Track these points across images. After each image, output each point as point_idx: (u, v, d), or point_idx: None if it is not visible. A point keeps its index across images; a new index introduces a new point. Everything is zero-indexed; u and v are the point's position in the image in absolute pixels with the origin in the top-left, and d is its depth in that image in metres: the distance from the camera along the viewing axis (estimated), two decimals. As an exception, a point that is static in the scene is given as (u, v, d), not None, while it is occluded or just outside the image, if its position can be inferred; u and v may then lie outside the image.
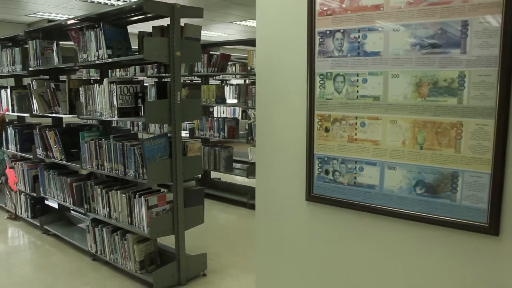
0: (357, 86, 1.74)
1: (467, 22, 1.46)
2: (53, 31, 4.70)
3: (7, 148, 5.00)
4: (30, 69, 4.79)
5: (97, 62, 3.79)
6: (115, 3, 8.17)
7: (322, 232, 1.95)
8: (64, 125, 4.89)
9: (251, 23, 10.99)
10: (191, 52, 3.59)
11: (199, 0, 7.64)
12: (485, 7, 1.42)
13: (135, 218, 3.67)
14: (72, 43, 4.11)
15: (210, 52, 6.59)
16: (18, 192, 5.37)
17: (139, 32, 3.70)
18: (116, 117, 3.63)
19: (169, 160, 3.58)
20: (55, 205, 5.11)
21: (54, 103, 4.49)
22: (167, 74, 7.63)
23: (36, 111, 4.71)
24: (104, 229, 4.00)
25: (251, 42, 6.37)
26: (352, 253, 1.87)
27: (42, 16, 9.70)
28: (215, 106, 7.69)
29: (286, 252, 2.11)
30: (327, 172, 1.87)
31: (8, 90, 5.32)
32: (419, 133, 1.61)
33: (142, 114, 3.72)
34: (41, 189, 4.93)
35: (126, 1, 7.76)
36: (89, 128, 4.40)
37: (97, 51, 3.77)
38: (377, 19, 1.65)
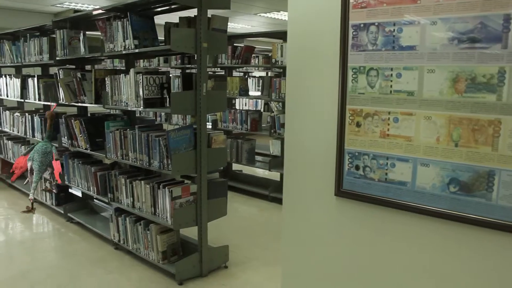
0: (391, 81, 1.70)
1: (509, 16, 1.41)
2: (80, 21, 4.73)
3: (56, 139, 5.07)
4: (57, 58, 4.85)
5: (124, 52, 3.81)
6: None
7: (351, 227, 1.93)
8: (89, 115, 4.94)
9: (275, 15, 10.94)
10: (217, 43, 3.58)
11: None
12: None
13: (158, 209, 3.69)
14: (99, 33, 4.14)
15: (235, 44, 6.57)
16: (43, 180, 5.46)
17: (165, 23, 3.69)
18: (141, 107, 3.65)
19: (193, 151, 3.58)
20: (79, 194, 5.18)
21: (80, 92, 4.53)
22: (191, 65, 7.64)
23: (62, 100, 4.77)
24: (127, 219, 4.03)
25: (276, 34, 6.43)
26: (380, 250, 1.84)
27: (68, 6, 9.82)
28: (237, 98, 7.69)
29: (313, 247, 2.09)
30: (357, 168, 1.84)
31: (35, 79, 5.41)
32: (455, 130, 1.56)
33: (168, 105, 3.73)
34: (65, 177, 4.99)
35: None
36: (113, 118, 4.44)
37: (124, 41, 3.78)
38: (414, 12, 1.60)
